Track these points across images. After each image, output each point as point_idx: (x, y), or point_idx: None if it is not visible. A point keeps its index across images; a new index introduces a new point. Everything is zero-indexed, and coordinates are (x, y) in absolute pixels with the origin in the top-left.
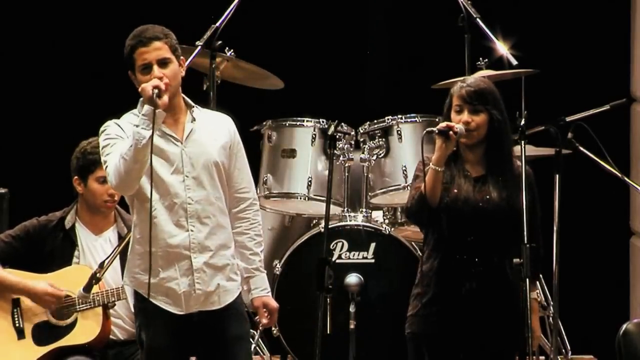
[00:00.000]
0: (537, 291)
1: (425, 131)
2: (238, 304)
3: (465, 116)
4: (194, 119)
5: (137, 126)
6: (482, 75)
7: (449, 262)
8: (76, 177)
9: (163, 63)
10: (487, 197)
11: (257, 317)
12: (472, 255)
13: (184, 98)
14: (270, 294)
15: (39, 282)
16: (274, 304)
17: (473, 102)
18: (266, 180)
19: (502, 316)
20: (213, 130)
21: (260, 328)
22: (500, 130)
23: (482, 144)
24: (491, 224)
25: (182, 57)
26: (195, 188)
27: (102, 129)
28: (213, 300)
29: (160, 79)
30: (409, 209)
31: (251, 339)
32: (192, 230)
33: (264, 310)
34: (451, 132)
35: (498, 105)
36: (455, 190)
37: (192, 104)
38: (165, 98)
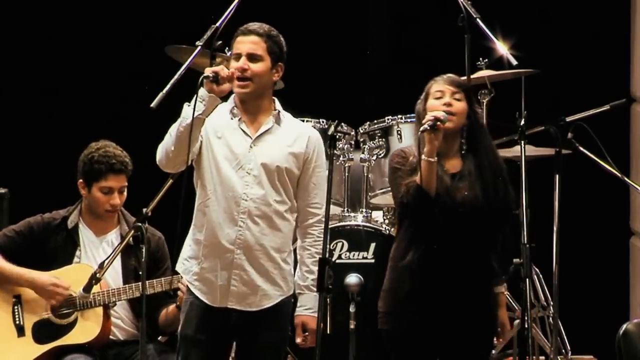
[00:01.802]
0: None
1: (419, 132)
2: (279, 311)
3: (447, 98)
4: (274, 122)
5: (188, 106)
6: (482, 75)
7: (428, 257)
8: (81, 180)
9: (252, 58)
10: (464, 192)
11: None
12: (449, 251)
13: (275, 104)
14: (315, 314)
15: (44, 274)
16: (312, 325)
17: (453, 88)
18: None
19: (476, 315)
20: (289, 137)
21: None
22: (476, 124)
23: (457, 138)
24: (468, 219)
25: (280, 64)
26: (253, 186)
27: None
28: (251, 301)
29: (243, 70)
30: (406, 205)
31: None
32: (241, 227)
33: (302, 329)
34: (438, 123)
35: (474, 100)
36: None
37: (279, 109)
38: (225, 86)
